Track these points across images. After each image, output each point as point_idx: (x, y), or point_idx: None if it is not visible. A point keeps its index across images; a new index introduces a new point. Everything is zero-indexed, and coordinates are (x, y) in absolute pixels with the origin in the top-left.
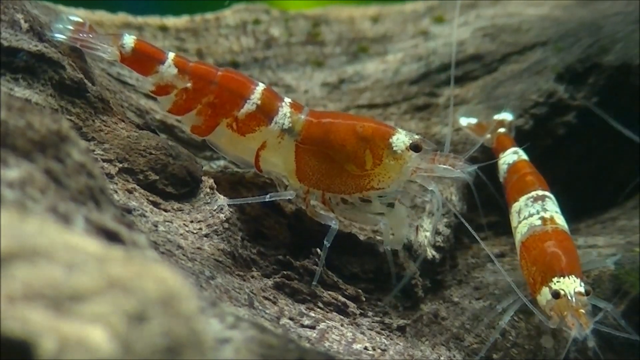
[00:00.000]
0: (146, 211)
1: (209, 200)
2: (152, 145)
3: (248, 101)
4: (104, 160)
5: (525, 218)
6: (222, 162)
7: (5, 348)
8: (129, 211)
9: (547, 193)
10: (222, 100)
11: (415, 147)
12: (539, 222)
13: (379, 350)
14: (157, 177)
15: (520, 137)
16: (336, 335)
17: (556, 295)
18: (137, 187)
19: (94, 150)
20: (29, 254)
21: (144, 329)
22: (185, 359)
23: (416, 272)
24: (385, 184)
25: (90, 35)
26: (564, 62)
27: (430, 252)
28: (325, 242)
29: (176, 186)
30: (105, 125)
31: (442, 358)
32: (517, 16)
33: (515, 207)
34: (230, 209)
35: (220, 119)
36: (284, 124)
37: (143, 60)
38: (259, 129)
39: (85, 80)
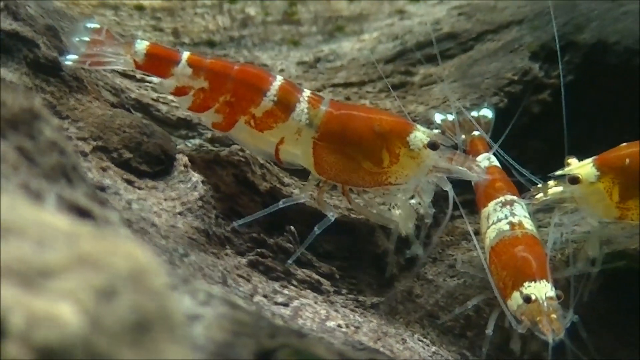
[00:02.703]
0: (120, 189)
1: (183, 179)
2: (126, 123)
3: (265, 97)
4: (78, 139)
5: (494, 223)
6: (197, 141)
7: None
8: (103, 189)
9: (515, 198)
10: (239, 98)
11: (432, 145)
12: (507, 227)
13: (352, 328)
14: (131, 155)
15: (496, 116)
16: (310, 312)
17: (528, 299)
18: (111, 165)
19: (68, 129)
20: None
21: (113, 304)
22: (155, 334)
23: (391, 249)
24: (403, 181)
25: (103, 48)
26: (540, 41)
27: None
28: (315, 228)
29: (150, 164)
30: (79, 104)
31: (415, 335)
32: None
33: (484, 212)
34: (205, 187)
35: (239, 116)
36: (301, 120)
37: (158, 64)
38: (277, 125)
39: (60, 59)
